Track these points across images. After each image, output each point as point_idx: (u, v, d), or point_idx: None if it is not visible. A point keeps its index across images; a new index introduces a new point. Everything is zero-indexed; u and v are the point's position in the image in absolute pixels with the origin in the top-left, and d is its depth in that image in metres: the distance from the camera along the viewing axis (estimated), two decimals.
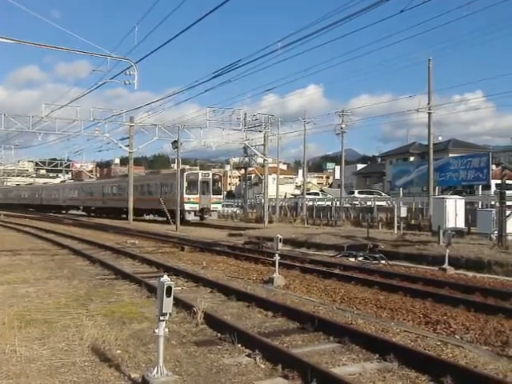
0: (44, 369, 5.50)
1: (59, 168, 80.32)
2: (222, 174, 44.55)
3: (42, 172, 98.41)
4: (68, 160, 78.78)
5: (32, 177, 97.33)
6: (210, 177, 40.20)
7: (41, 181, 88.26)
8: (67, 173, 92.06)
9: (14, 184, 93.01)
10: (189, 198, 37.82)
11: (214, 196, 39.39)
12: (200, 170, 50.50)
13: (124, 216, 42.93)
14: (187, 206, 37.52)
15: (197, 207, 38.06)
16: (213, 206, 39.03)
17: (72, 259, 16.04)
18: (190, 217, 37.58)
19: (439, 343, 6.57)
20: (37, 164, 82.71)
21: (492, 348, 6.61)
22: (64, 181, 78.26)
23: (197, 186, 38.52)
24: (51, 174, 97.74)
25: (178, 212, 32.16)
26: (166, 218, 35.11)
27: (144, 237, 24.92)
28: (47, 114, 35.34)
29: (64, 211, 61.63)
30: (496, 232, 17.48)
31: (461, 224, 20.86)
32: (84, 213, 57.18)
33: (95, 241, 21.39)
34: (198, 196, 38.22)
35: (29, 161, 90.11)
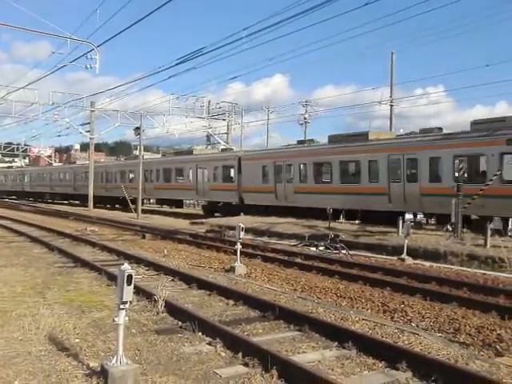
0: None
1: (16, 153, 77.84)
2: None
3: None
4: (25, 144, 76.42)
5: None
6: None
7: None
8: (24, 158, 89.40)
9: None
10: None
11: None
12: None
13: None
14: None
15: None
16: None
17: (29, 247, 15.64)
18: None
19: (396, 331, 6.73)
20: None
21: (445, 335, 6.85)
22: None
23: None
24: (7, 159, 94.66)
25: (140, 198, 31.63)
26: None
27: (105, 224, 24.53)
28: (3, 95, 34.28)
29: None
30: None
31: (420, 215, 21.42)
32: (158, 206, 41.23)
33: (54, 228, 20.90)
34: None
35: None
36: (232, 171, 29.95)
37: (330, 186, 24.17)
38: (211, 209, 30.65)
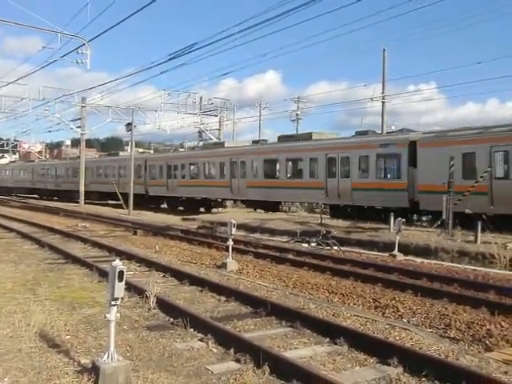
0: None
1: (5, 148, 77.24)
2: None
3: None
4: (15, 140, 75.81)
5: None
6: None
7: None
8: (14, 153, 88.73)
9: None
10: None
11: None
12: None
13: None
14: None
15: None
16: None
17: (19, 243, 15.53)
18: None
19: (387, 326, 6.76)
20: None
21: (436, 330, 6.89)
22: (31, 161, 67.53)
23: None
24: None
25: (132, 194, 31.51)
26: None
27: (96, 220, 24.42)
28: None
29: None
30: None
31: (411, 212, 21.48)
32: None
33: (44, 224, 20.79)
34: None
35: None
36: (397, 162, 21.58)
37: None
38: (349, 215, 21.86)
